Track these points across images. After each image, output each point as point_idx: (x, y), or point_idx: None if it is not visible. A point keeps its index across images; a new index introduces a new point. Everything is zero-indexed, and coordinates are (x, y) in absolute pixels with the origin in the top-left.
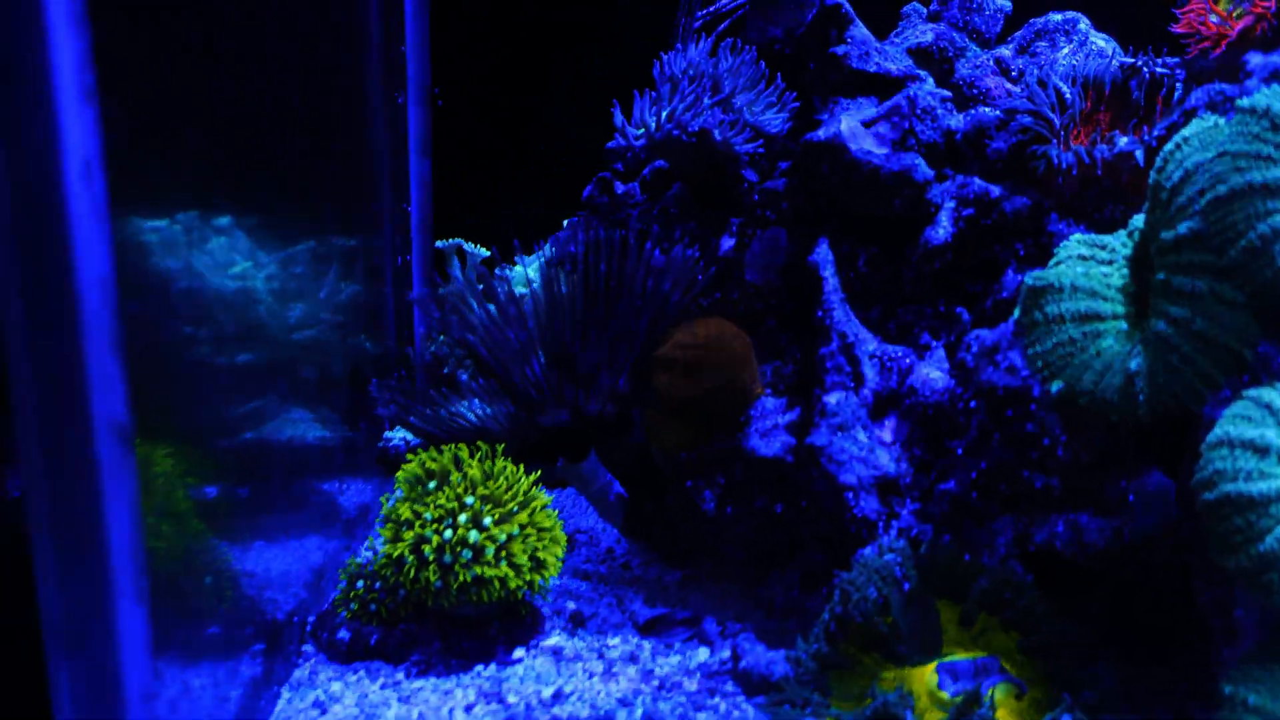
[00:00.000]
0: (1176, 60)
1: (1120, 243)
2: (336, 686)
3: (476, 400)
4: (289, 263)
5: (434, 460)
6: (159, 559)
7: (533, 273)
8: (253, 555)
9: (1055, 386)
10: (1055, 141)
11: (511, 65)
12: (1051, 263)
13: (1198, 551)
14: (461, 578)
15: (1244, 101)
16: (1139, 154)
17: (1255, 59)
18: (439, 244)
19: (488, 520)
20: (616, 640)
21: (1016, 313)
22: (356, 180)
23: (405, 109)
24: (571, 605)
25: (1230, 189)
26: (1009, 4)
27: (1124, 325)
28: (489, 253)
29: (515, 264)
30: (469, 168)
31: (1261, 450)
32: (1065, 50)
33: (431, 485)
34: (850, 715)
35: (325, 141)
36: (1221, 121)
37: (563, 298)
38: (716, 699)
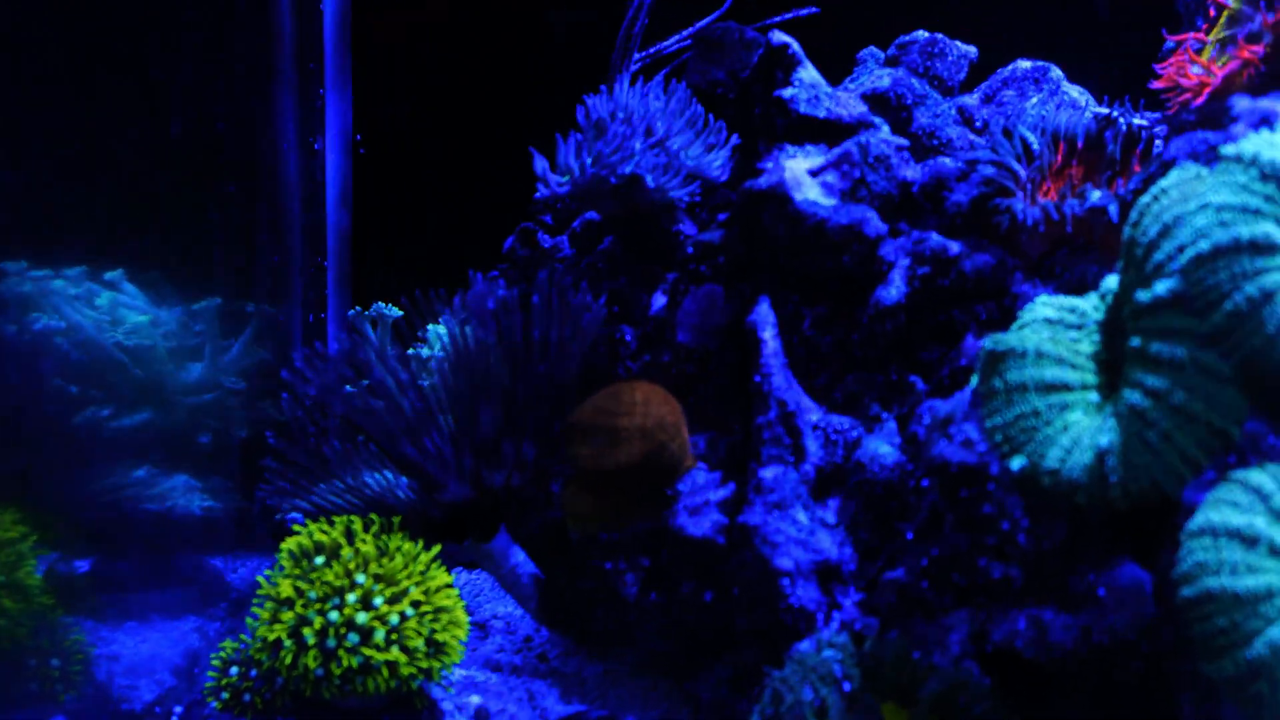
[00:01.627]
0: (1157, 116)
1: (1091, 306)
2: None
3: (378, 473)
4: (188, 321)
5: (324, 533)
6: None
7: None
8: (116, 637)
9: (1016, 463)
10: (1021, 195)
11: (441, 112)
12: (1014, 326)
13: (1178, 655)
14: (346, 663)
15: (1229, 149)
16: (1113, 209)
17: (1242, 103)
18: (350, 313)
19: (379, 600)
20: None
21: (974, 380)
22: (263, 231)
23: (322, 155)
24: (476, 700)
25: (1214, 245)
26: (974, 51)
27: (1094, 397)
28: (399, 313)
29: (438, 322)
30: (396, 220)
31: (1250, 541)
32: (1034, 100)
33: (319, 560)
34: None
35: (220, 186)
36: (1205, 171)
37: (468, 360)
38: None
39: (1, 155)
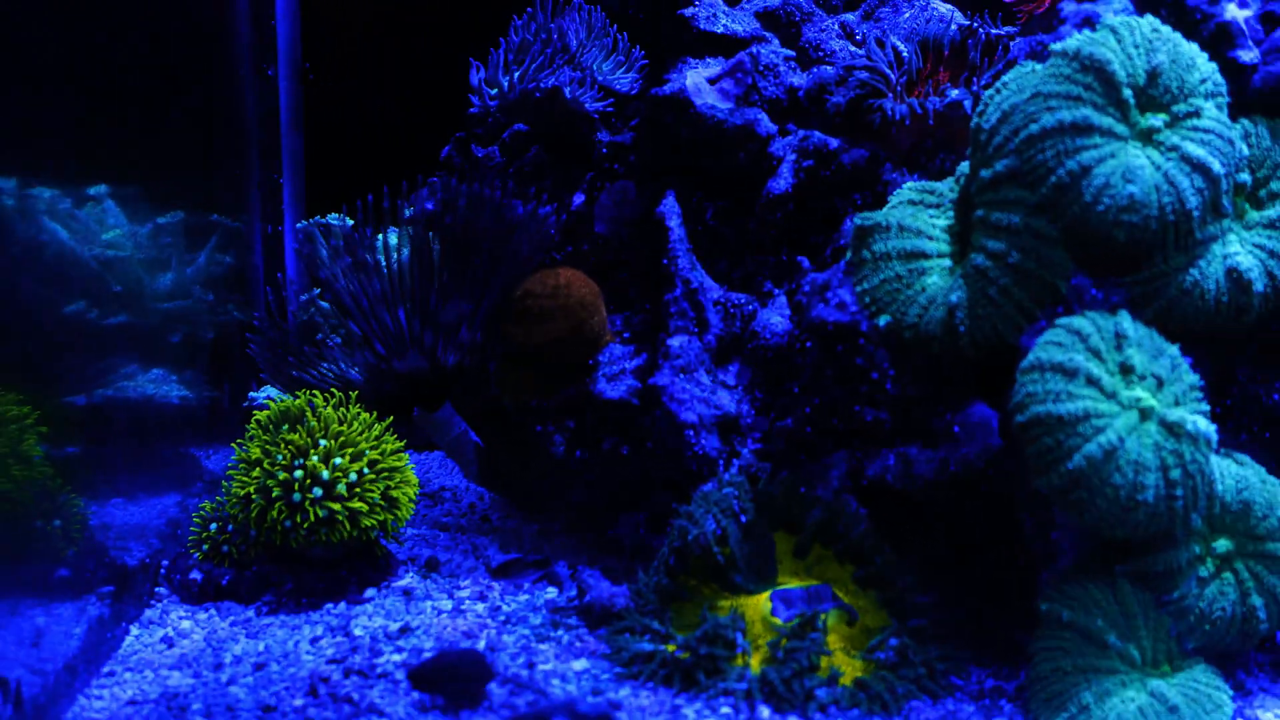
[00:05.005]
0: (1015, 29)
1: (948, 188)
2: (186, 624)
3: (340, 359)
4: (158, 233)
5: (288, 403)
6: (4, 501)
7: (394, 239)
8: (106, 510)
9: (882, 320)
10: (891, 95)
11: (380, 36)
12: (885, 208)
13: (1020, 479)
14: (312, 515)
15: (1056, 45)
16: (967, 103)
17: (1069, 6)
18: (300, 224)
19: (339, 459)
20: (468, 582)
21: (849, 254)
22: (227, 152)
23: (275, 82)
24: (427, 552)
25: (1042, 127)
26: None
27: (948, 263)
28: (350, 223)
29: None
30: (343, 139)
31: (1070, 373)
32: (907, 15)
33: (285, 428)
34: (683, 638)
35: (188, 112)
36: (1038, 66)
37: (423, 252)
38: (560, 631)
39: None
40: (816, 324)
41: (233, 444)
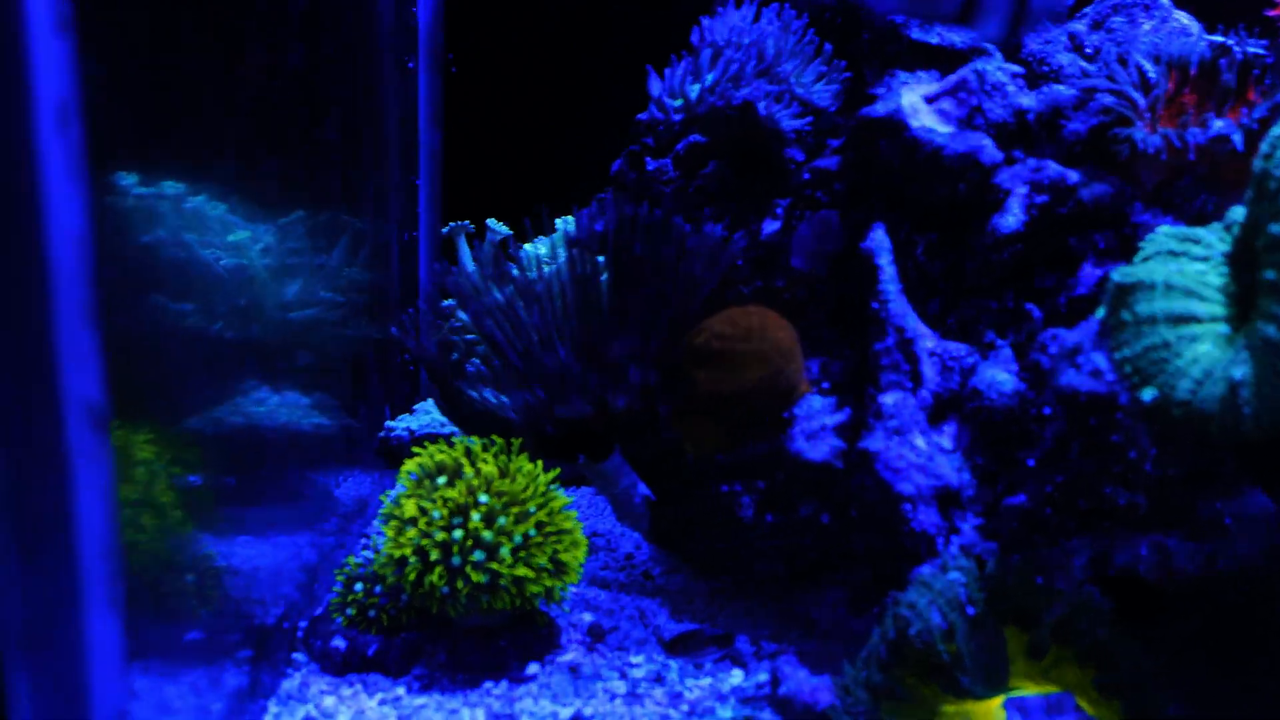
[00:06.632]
0: (1266, 42)
1: (1217, 237)
2: (329, 701)
3: (488, 389)
4: (286, 235)
5: (444, 453)
6: (137, 555)
7: (544, 250)
8: (240, 552)
9: (1147, 394)
10: (1140, 124)
11: (531, 30)
12: (1138, 258)
13: None
14: (475, 579)
15: None
16: (1237, 139)
17: None
18: (444, 229)
19: (502, 519)
20: (640, 658)
21: (1101, 312)
22: (362, 150)
23: (415, 75)
24: (589, 617)
25: None
26: None
27: (1224, 329)
28: (509, 231)
29: (529, 243)
30: (484, 139)
31: None
32: (1146, 27)
33: (441, 480)
34: None
35: (326, 106)
36: None
37: (589, 281)
38: None
39: (137, 75)
40: (1067, 393)
41: (362, 479)
